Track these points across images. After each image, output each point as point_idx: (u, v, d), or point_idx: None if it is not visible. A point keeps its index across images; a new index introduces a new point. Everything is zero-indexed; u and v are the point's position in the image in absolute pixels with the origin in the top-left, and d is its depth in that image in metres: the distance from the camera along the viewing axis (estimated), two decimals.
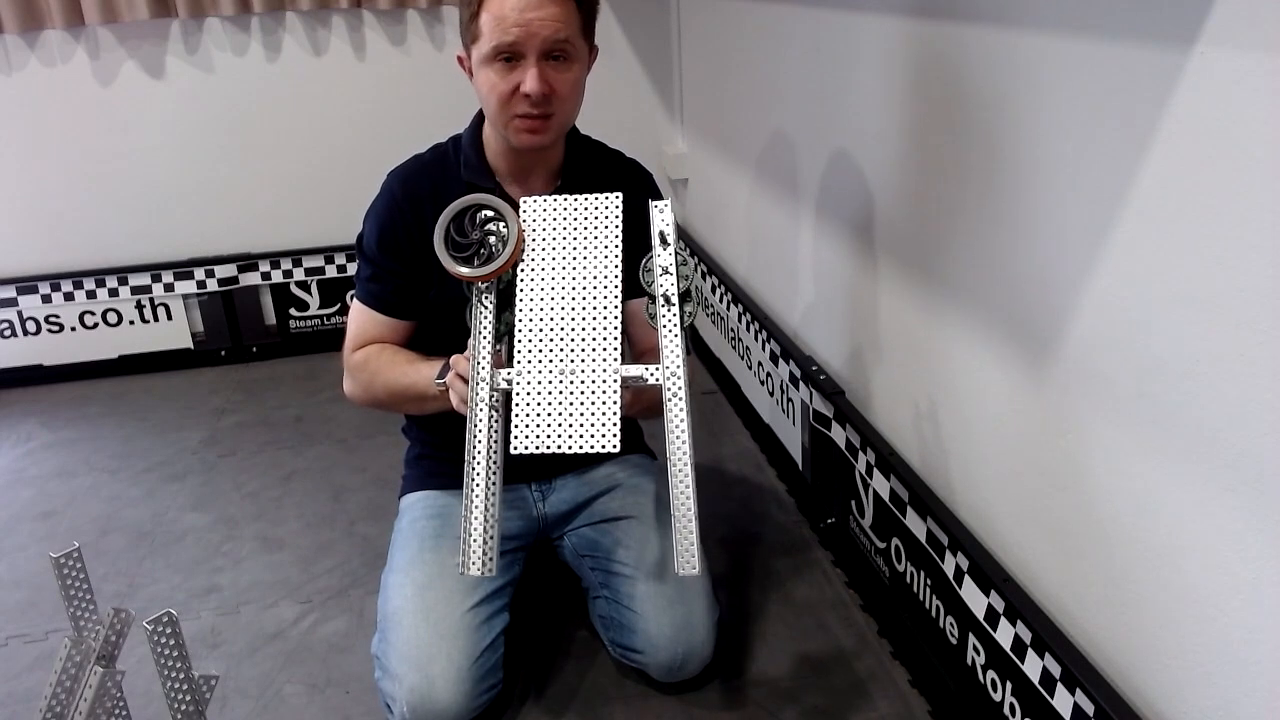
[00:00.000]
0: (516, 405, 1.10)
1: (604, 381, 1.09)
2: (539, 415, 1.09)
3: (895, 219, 1.45)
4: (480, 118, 1.37)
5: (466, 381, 1.13)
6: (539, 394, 1.10)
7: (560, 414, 1.09)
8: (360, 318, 1.42)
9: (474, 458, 1.11)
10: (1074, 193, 1.01)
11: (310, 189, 2.70)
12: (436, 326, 1.40)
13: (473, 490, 1.10)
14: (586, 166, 1.41)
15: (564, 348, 1.11)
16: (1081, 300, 1.01)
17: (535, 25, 1.20)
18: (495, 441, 1.11)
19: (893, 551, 1.44)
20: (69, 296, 2.60)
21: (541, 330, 1.12)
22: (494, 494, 1.10)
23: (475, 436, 1.11)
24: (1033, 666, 1.07)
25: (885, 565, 1.48)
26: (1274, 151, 0.75)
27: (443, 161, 1.39)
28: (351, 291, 2.83)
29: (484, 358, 1.12)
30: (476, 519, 1.10)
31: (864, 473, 1.50)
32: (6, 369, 2.62)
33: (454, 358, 1.19)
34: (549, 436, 1.08)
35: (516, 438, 1.08)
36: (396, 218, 1.36)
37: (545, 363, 1.11)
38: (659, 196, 1.48)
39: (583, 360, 1.10)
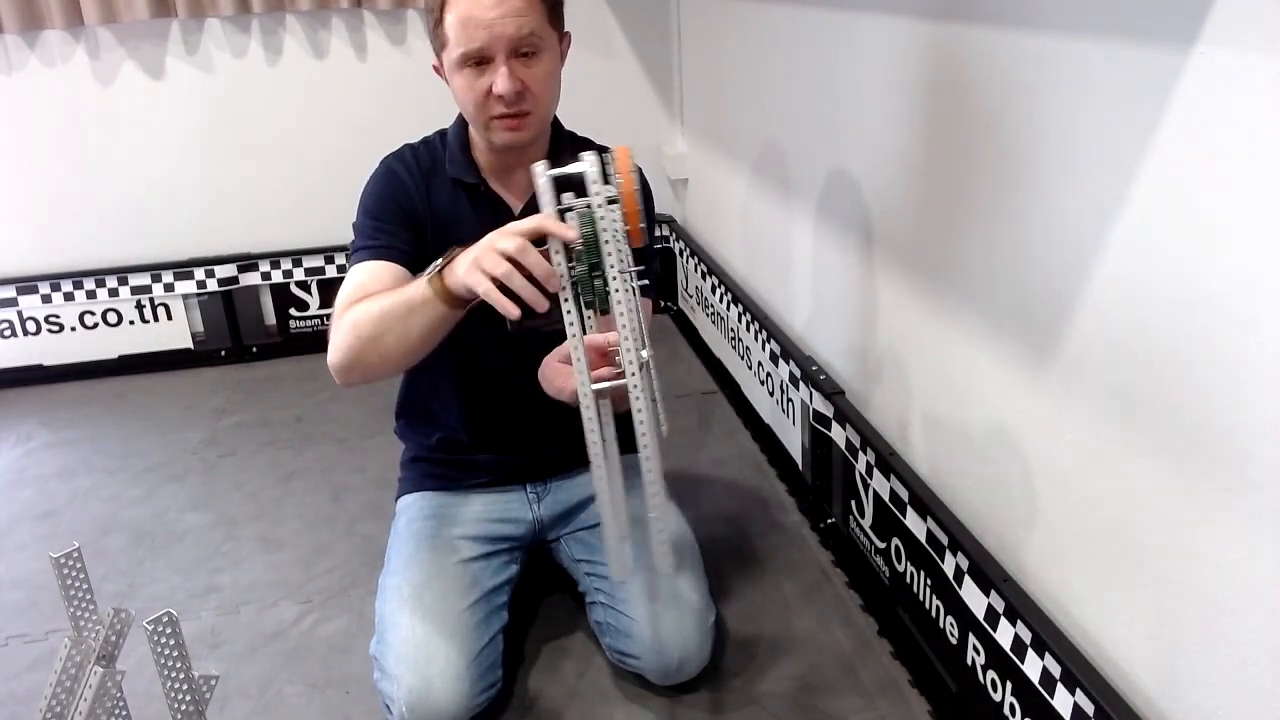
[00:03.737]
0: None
1: None
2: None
3: (895, 219, 1.45)
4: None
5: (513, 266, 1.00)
6: None
7: None
8: (357, 275, 1.27)
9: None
10: (1074, 192, 1.01)
11: (310, 189, 2.69)
12: None
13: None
14: (571, 160, 1.41)
15: None
16: (1081, 300, 1.01)
17: (499, 26, 1.20)
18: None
19: (893, 551, 1.44)
20: (69, 296, 2.60)
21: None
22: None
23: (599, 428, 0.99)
24: (1033, 666, 1.07)
25: (885, 565, 1.48)
26: (1274, 151, 0.75)
27: (432, 152, 1.41)
28: None
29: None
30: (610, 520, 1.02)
31: (864, 473, 1.50)
32: (7, 369, 2.62)
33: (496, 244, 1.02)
34: None
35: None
36: (396, 183, 1.36)
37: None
38: (648, 191, 1.48)
39: None
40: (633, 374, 0.97)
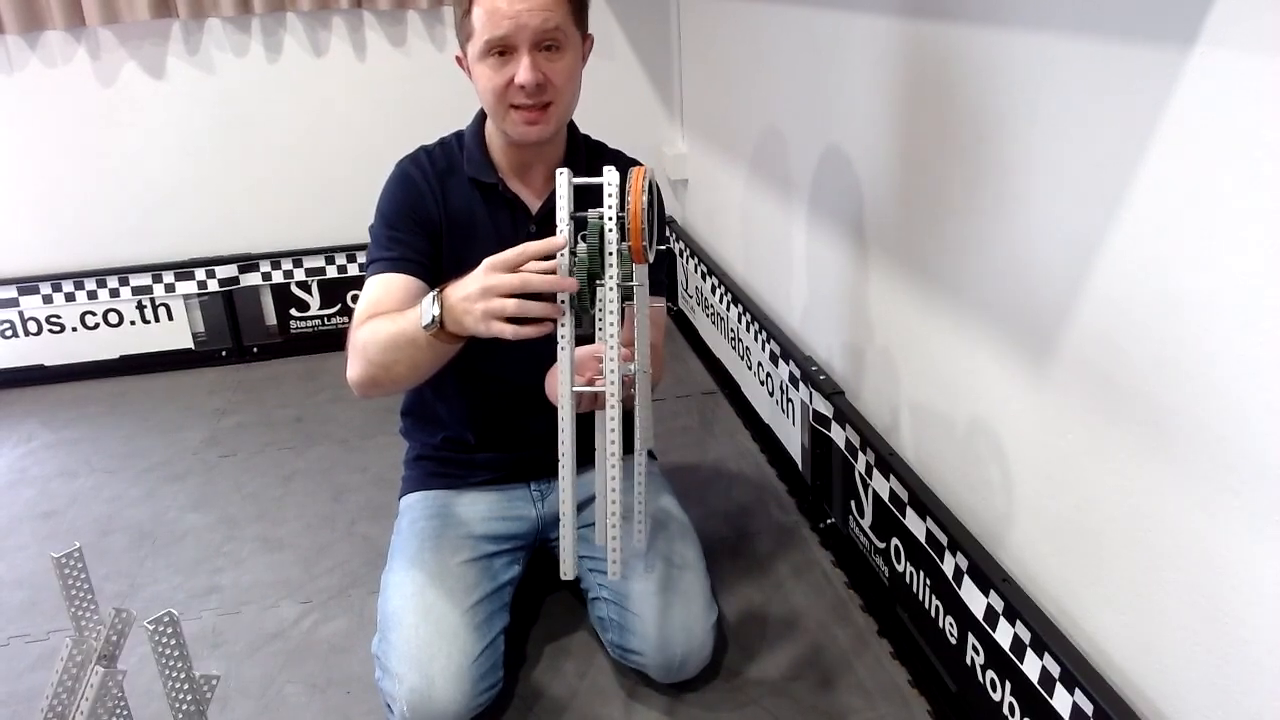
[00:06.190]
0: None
1: None
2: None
3: (894, 219, 1.45)
4: (483, 114, 1.38)
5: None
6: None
7: None
8: (373, 288, 1.31)
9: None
10: (1074, 192, 1.01)
11: (310, 189, 2.69)
12: None
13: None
14: (586, 162, 1.41)
15: None
16: (1081, 300, 1.01)
17: (525, 17, 1.22)
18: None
19: (892, 551, 1.44)
20: (70, 297, 2.60)
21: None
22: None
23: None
24: (1032, 666, 1.07)
25: (885, 565, 1.48)
26: (1274, 151, 0.75)
27: (449, 154, 1.41)
28: (353, 291, 2.85)
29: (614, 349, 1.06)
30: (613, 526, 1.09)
31: (864, 473, 1.50)
32: (8, 369, 2.62)
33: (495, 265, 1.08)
34: None
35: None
36: (410, 187, 1.37)
37: None
38: (661, 203, 1.48)
39: None
40: (612, 382, 1.05)
